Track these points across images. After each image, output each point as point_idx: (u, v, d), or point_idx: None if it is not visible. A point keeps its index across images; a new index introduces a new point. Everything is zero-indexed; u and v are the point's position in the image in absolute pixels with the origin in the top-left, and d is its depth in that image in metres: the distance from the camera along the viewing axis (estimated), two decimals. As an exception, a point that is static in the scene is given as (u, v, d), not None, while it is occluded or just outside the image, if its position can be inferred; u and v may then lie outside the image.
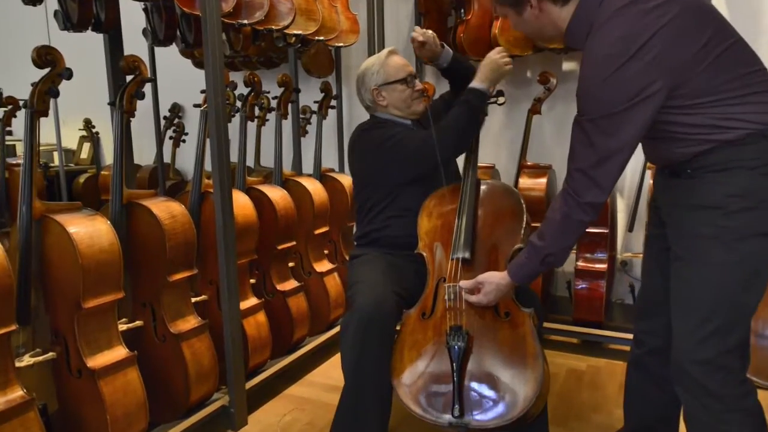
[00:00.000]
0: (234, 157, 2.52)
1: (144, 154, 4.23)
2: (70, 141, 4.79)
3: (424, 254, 1.77)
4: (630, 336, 2.59)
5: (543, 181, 2.85)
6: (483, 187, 1.87)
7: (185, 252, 1.99)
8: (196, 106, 2.37)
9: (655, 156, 1.46)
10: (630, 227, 2.78)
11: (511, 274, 1.52)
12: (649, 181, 2.69)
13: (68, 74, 1.72)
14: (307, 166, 3.15)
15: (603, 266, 2.68)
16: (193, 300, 2.14)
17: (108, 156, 4.62)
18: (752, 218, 1.27)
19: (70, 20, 1.90)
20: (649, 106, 1.27)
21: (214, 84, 1.95)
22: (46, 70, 1.73)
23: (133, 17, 2.49)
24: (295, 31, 2.46)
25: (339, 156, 3.32)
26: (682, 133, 1.32)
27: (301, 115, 3.27)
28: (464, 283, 1.60)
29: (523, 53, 2.78)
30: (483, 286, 1.56)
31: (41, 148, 4.29)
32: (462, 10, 2.91)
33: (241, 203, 2.24)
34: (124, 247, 1.80)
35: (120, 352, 1.77)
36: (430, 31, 1.92)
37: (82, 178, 4.30)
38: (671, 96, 1.27)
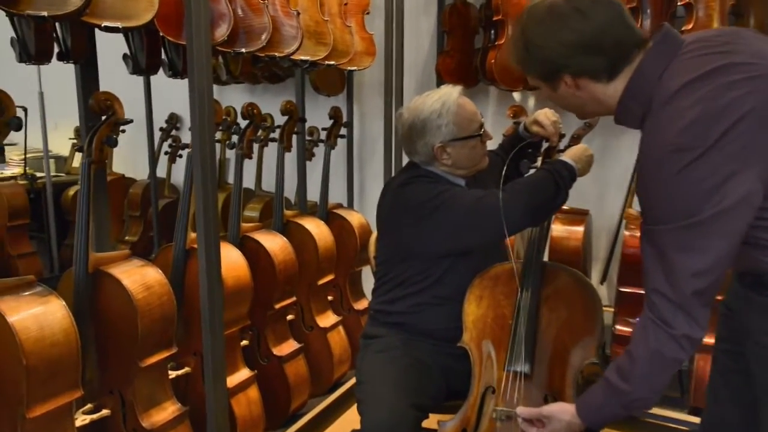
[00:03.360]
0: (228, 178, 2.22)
1: (138, 167, 3.92)
2: (62, 147, 4.49)
3: (470, 349, 1.45)
4: (671, 414, 2.34)
5: (580, 229, 2.51)
6: (549, 274, 1.51)
7: (162, 330, 1.67)
8: (184, 146, 2.03)
9: (735, 261, 1.13)
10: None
11: (583, 416, 1.19)
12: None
13: (17, 125, 1.39)
14: (313, 191, 2.81)
15: (646, 333, 2.35)
16: (174, 375, 1.83)
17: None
18: None
19: (27, 51, 1.57)
20: (743, 210, 0.96)
21: (201, 132, 1.60)
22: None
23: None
24: (303, 57, 2.12)
25: (347, 189, 2.98)
26: None
27: (308, 137, 2.93)
28: (523, 411, 1.26)
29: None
30: (549, 422, 1.22)
31: (29, 155, 3.98)
32: (492, 32, 2.56)
33: (233, 262, 1.92)
34: (89, 324, 1.48)
35: (77, 463, 1.46)
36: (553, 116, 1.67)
37: (72, 191, 3.99)
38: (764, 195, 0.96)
